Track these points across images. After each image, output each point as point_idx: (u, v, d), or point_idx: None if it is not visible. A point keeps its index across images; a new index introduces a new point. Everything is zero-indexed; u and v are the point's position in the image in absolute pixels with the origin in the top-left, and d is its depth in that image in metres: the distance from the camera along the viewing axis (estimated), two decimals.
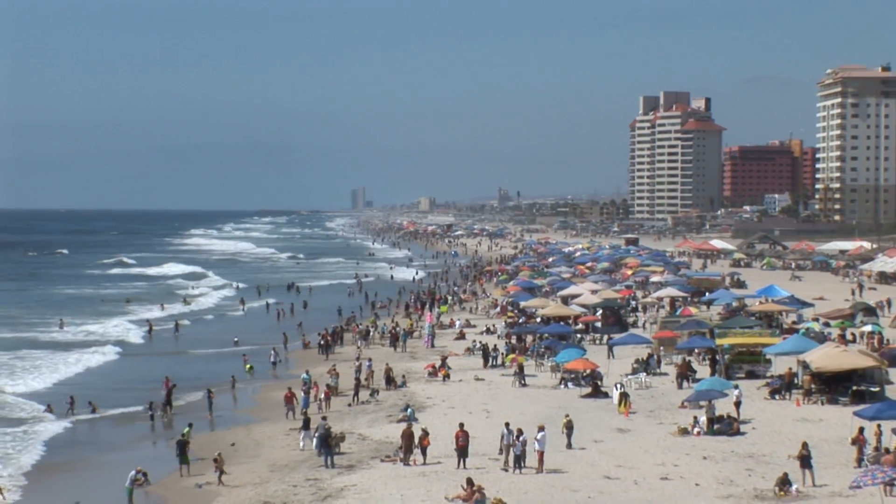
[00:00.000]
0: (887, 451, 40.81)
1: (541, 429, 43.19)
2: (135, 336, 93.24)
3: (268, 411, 56.49)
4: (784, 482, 37.55)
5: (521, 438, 41.67)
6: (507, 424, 42.77)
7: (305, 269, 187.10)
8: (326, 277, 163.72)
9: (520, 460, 41.23)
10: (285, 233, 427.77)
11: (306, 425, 47.56)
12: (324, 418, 49.80)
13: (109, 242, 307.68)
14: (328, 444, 44.26)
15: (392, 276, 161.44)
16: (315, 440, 45.34)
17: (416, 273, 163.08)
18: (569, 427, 45.61)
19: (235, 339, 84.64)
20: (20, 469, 45.98)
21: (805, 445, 39.59)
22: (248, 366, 71.39)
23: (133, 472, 41.64)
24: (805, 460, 38.62)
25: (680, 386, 58.76)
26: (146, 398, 59.03)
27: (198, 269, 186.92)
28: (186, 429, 48.36)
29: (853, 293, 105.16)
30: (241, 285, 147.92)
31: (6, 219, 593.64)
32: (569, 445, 44.31)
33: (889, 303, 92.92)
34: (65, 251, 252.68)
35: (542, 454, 41.40)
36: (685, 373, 60.50)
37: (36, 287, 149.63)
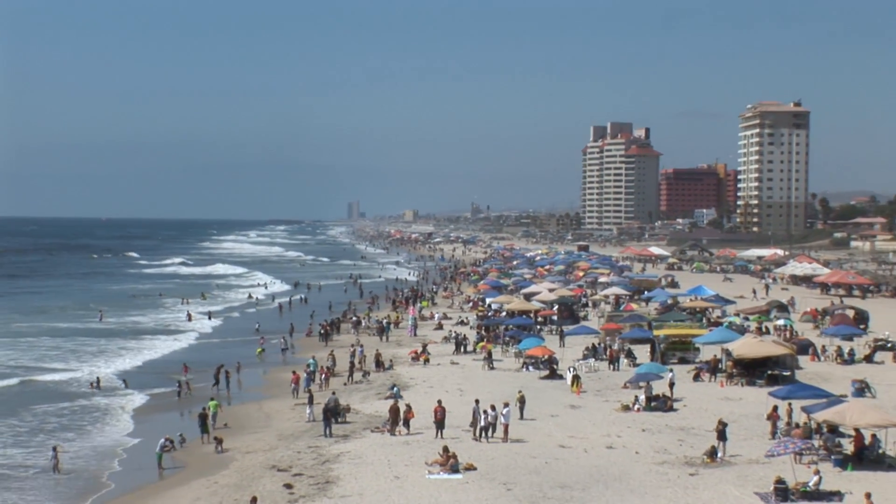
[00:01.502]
0: (797, 425, 41.16)
1: (506, 405, 43.48)
2: (207, 325, 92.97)
3: (276, 389, 56.53)
4: (712, 452, 37.90)
5: (491, 414, 42.08)
6: (477, 401, 43.07)
7: (329, 270, 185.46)
8: (341, 277, 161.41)
9: (488, 431, 41.54)
10: (301, 239, 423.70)
11: (311, 401, 47.84)
12: (333, 393, 50.51)
13: (160, 247, 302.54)
14: (331, 414, 44.58)
15: (380, 276, 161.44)
16: (324, 407, 45.41)
17: (410, 274, 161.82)
18: (521, 401, 46.12)
19: (256, 327, 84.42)
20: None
21: (721, 421, 39.89)
22: (259, 349, 71.50)
23: (162, 440, 41.77)
24: (721, 433, 38.78)
25: (616, 369, 59.60)
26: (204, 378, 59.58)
27: (243, 269, 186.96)
28: (213, 402, 48.67)
29: (754, 292, 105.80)
30: (280, 282, 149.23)
31: (60, 226, 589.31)
32: (521, 416, 44.49)
33: (793, 301, 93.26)
34: (134, 254, 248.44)
35: (506, 426, 41.63)
36: (615, 358, 61.28)
37: (116, 284, 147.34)
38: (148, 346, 77.23)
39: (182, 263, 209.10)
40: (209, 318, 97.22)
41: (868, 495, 25.94)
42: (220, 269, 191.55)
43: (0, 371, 64.78)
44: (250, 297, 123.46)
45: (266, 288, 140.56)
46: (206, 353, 72.60)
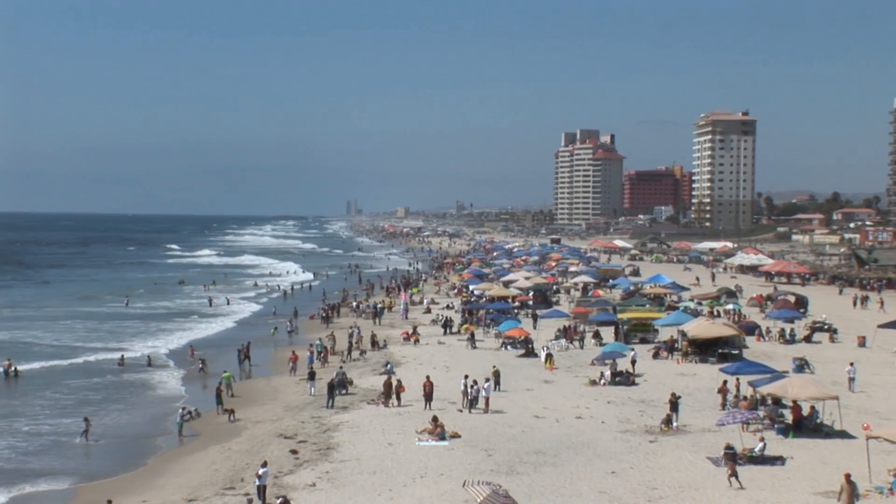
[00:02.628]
0: (744, 398, 41.38)
1: (487, 380, 43.66)
2: (247, 310, 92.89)
3: (283, 366, 56.25)
4: (668, 421, 38.04)
5: (474, 387, 42.14)
6: (465, 376, 43.15)
7: (342, 260, 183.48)
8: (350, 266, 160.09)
9: (473, 403, 41.59)
10: (310, 233, 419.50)
11: (311, 377, 47.75)
12: (340, 367, 50.71)
13: (188, 240, 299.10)
14: (336, 387, 44.69)
15: (371, 266, 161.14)
16: (330, 381, 45.30)
17: (410, 265, 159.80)
18: (496, 375, 46.08)
19: (274, 310, 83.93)
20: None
21: (673, 394, 40.06)
22: (272, 329, 71.30)
23: (181, 410, 41.73)
24: (674, 405, 38.93)
25: (581, 347, 59.93)
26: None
27: (269, 259, 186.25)
28: (226, 374, 48.69)
29: (697, 279, 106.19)
30: (302, 270, 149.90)
31: (93, 221, 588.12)
32: (496, 388, 44.24)
33: (741, 288, 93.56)
34: (175, 246, 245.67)
35: (487, 399, 41.62)
36: (581, 338, 61.72)
37: (161, 272, 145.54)
38: (193, 327, 77.38)
39: (215, 255, 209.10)
40: (227, 302, 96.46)
41: (847, 476, 25.96)
42: (247, 259, 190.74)
43: (72, 350, 64.42)
44: (212, 284, 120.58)
45: (296, 275, 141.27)
46: (232, 333, 73.16)
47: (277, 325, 74.30)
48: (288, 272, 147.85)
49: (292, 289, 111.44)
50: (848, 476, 25.83)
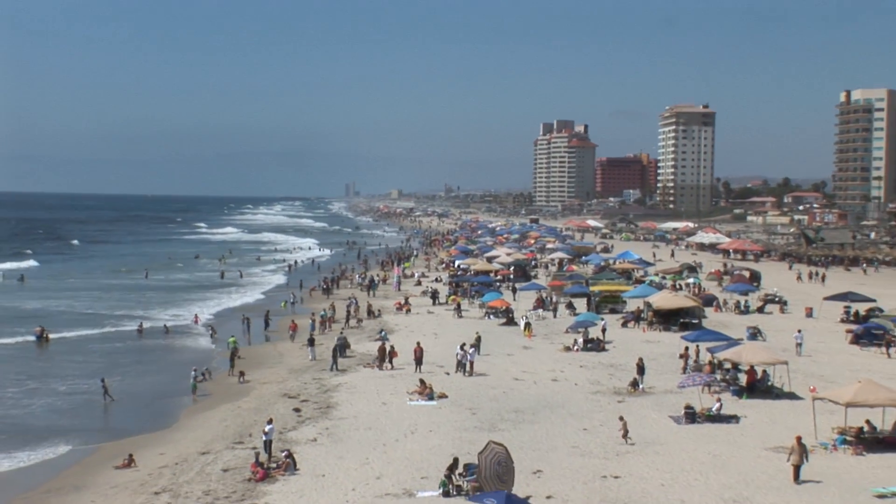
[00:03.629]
0: (702, 363, 41.61)
1: (472, 346, 43.75)
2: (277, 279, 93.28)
3: (287, 333, 56.22)
4: (634, 383, 38.17)
5: (459, 353, 42.19)
6: (462, 345, 43.11)
7: (352, 236, 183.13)
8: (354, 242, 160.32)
9: (463, 367, 41.62)
10: (317, 213, 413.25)
11: (311, 343, 47.60)
12: (342, 332, 50.57)
13: (208, 218, 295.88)
14: (339, 351, 44.67)
15: (366, 243, 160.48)
16: (333, 346, 45.36)
17: (402, 242, 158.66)
18: (478, 341, 46.16)
19: (286, 282, 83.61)
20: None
21: (640, 360, 40.18)
22: (283, 303, 70.55)
23: (193, 372, 41.64)
24: (640, 369, 39.14)
25: (555, 316, 60.03)
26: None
27: (289, 236, 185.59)
28: (232, 338, 48.64)
29: (653, 255, 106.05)
30: (320, 246, 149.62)
31: (116, 201, 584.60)
32: (477, 353, 43.66)
33: (700, 264, 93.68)
34: (203, 224, 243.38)
35: (472, 363, 41.73)
36: (537, 307, 61.98)
37: (193, 248, 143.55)
38: (212, 298, 77.22)
39: (239, 231, 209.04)
40: (241, 275, 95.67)
41: (798, 438, 26.05)
42: (266, 236, 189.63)
43: (101, 318, 64.07)
44: (223, 259, 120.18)
45: (318, 250, 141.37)
46: (248, 303, 73.59)
47: (285, 298, 73.82)
48: (309, 247, 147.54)
49: (296, 263, 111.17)
50: (799, 438, 25.93)
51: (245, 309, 67.83)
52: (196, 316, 63.04)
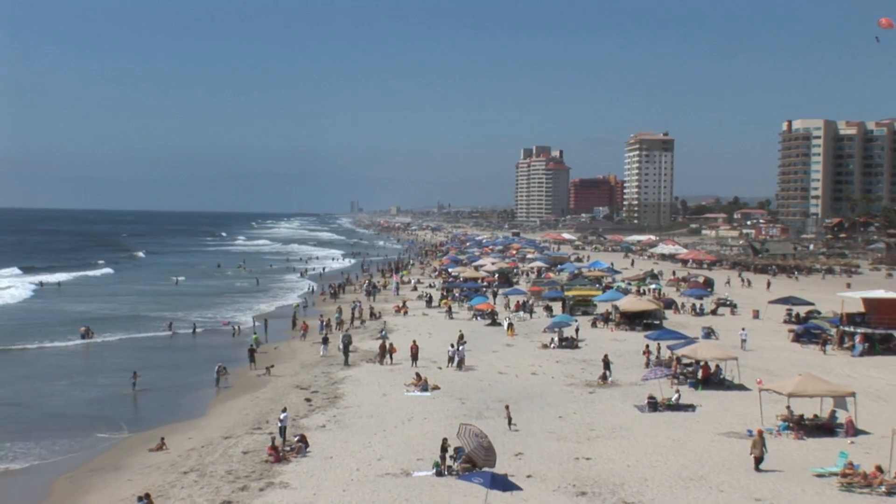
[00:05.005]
0: (663, 359, 41.70)
1: (462, 344, 43.66)
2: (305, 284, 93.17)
3: (298, 333, 55.99)
4: (604, 376, 38.21)
5: (451, 350, 42.20)
6: (453, 344, 43.12)
7: (366, 249, 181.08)
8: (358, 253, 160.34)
9: (452, 362, 41.62)
10: (332, 226, 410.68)
11: (325, 341, 47.57)
12: (346, 331, 50.61)
13: (239, 231, 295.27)
14: (346, 347, 44.61)
15: (368, 254, 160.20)
16: (340, 344, 45.28)
17: (402, 252, 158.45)
18: (460, 339, 45.48)
19: (310, 289, 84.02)
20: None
21: (606, 356, 40.15)
22: (295, 304, 70.43)
23: (216, 367, 41.51)
24: (606, 364, 39.12)
25: (530, 316, 60.00)
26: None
27: (314, 247, 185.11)
28: (255, 336, 48.58)
29: (632, 262, 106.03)
30: (343, 256, 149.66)
31: (153, 216, 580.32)
32: (461, 346, 43.19)
33: (661, 272, 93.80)
34: (242, 238, 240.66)
35: (462, 359, 41.75)
36: (518, 310, 62.13)
37: (238, 258, 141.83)
38: (234, 302, 76.57)
39: (271, 243, 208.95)
40: (257, 282, 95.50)
41: (760, 432, 25.72)
42: (295, 247, 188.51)
43: (139, 319, 64.02)
44: (240, 266, 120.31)
45: (342, 260, 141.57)
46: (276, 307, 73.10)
47: (298, 302, 73.75)
48: (333, 258, 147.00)
49: (306, 271, 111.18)
50: (760, 432, 25.66)
51: (273, 312, 67.80)
52: (225, 321, 62.41)
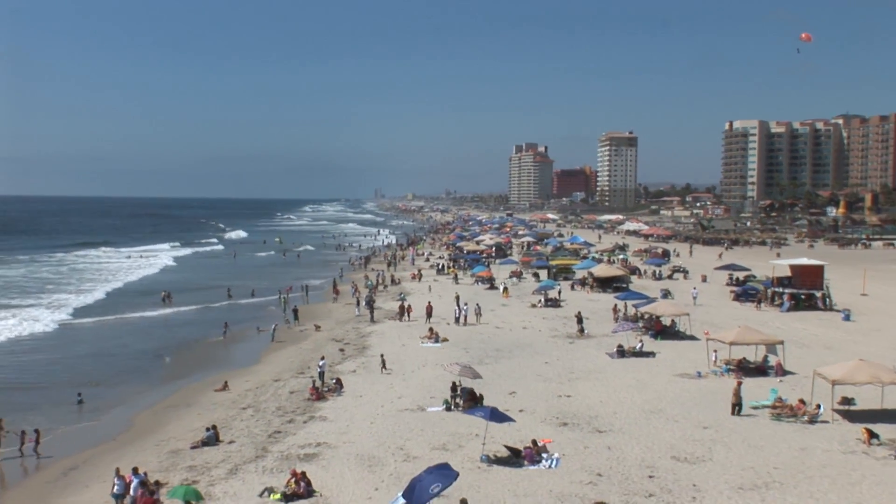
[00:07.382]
0: (629, 315, 41.44)
1: (465, 304, 43.51)
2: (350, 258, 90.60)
3: (331, 296, 55.79)
4: (581, 330, 37.99)
5: (455, 308, 42.02)
6: (458, 303, 43.02)
7: (396, 227, 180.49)
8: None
9: (459, 319, 41.42)
10: (365, 208, 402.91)
11: (358, 303, 47.37)
12: (370, 291, 50.36)
13: (294, 214, 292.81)
14: (371, 305, 44.77)
15: (385, 231, 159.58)
16: (364, 304, 45.50)
17: (417, 230, 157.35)
18: (457, 299, 45.55)
19: (350, 260, 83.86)
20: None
21: (579, 312, 40.02)
22: (335, 277, 69.55)
23: (273, 326, 41.12)
24: (579, 319, 38.89)
25: (517, 280, 58.98)
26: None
27: (366, 227, 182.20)
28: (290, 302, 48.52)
29: (599, 237, 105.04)
30: (388, 234, 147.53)
31: (216, 202, 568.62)
32: (467, 308, 42.60)
33: (627, 245, 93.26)
34: (293, 216, 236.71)
35: (465, 316, 41.57)
36: (514, 276, 61.19)
37: (298, 237, 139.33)
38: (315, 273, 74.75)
39: (327, 223, 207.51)
40: (298, 256, 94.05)
41: (739, 384, 24.83)
42: (350, 226, 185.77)
43: (212, 284, 63.05)
44: (279, 240, 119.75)
45: (386, 237, 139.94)
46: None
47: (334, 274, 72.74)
48: (378, 232, 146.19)
49: (373, 245, 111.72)
50: (740, 384, 24.40)
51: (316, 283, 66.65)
52: (289, 287, 58.35)
